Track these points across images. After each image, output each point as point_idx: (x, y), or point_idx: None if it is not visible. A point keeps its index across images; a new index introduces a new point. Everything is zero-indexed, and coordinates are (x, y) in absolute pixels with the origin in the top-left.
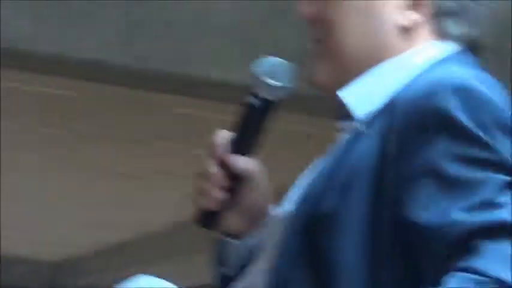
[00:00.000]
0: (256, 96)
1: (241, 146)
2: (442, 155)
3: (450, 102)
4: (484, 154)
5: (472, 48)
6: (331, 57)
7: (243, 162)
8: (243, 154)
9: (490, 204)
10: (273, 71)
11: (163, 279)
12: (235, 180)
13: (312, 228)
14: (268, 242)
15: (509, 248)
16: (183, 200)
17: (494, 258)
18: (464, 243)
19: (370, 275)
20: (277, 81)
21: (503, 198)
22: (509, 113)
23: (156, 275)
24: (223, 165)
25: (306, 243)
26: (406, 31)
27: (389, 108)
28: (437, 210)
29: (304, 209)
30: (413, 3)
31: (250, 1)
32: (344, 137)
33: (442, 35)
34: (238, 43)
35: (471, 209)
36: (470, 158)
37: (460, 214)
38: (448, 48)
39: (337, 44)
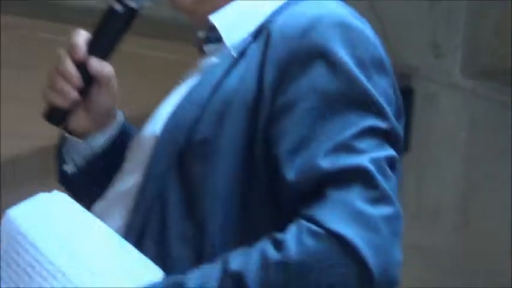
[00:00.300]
0: (120, 2)
1: (98, 49)
2: (313, 88)
3: (330, 37)
4: (356, 94)
5: None
6: None
7: (98, 65)
8: (99, 57)
9: (348, 149)
10: None
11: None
12: (89, 81)
13: (185, 154)
14: (130, 161)
15: (359, 197)
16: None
17: (339, 209)
18: (316, 189)
19: (241, 207)
20: None
21: (366, 143)
22: (382, 50)
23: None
24: (79, 64)
25: (176, 167)
26: None
27: (265, 39)
28: (299, 157)
29: (175, 134)
30: None
31: None
32: (211, 61)
33: None
34: None
35: (329, 152)
36: (341, 97)
37: (318, 159)
38: None
39: None
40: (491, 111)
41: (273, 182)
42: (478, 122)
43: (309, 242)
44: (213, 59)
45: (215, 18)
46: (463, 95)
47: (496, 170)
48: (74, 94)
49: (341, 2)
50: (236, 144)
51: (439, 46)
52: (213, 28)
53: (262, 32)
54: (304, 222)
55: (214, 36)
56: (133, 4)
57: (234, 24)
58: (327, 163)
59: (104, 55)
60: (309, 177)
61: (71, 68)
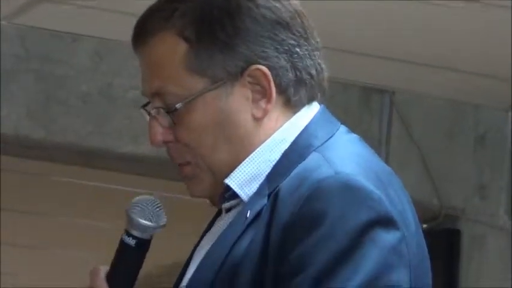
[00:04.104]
0: (131, 235)
1: (118, 282)
2: (316, 252)
3: (332, 204)
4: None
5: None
6: (207, 174)
7: None
8: None
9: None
10: (146, 211)
11: None
12: None
13: None
14: None
15: None
16: None
17: None
18: None
19: None
20: (151, 220)
21: None
22: (389, 205)
23: None
24: None
25: None
26: (263, 118)
27: (273, 200)
28: None
29: None
30: (261, 91)
31: None
32: (227, 220)
33: (293, 103)
34: None
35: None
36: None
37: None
38: (307, 113)
39: (209, 163)
40: None
41: None
42: None
43: None
44: (229, 218)
45: (229, 180)
46: (509, 237)
47: None
48: None
49: (358, 147)
50: None
51: (484, 188)
52: (228, 188)
53: (273, 194)
54: None
55: (230, 194)
56: (145, 236)
57: (245, 183)
58: None
59: (123, 286)
60: None
61: None
